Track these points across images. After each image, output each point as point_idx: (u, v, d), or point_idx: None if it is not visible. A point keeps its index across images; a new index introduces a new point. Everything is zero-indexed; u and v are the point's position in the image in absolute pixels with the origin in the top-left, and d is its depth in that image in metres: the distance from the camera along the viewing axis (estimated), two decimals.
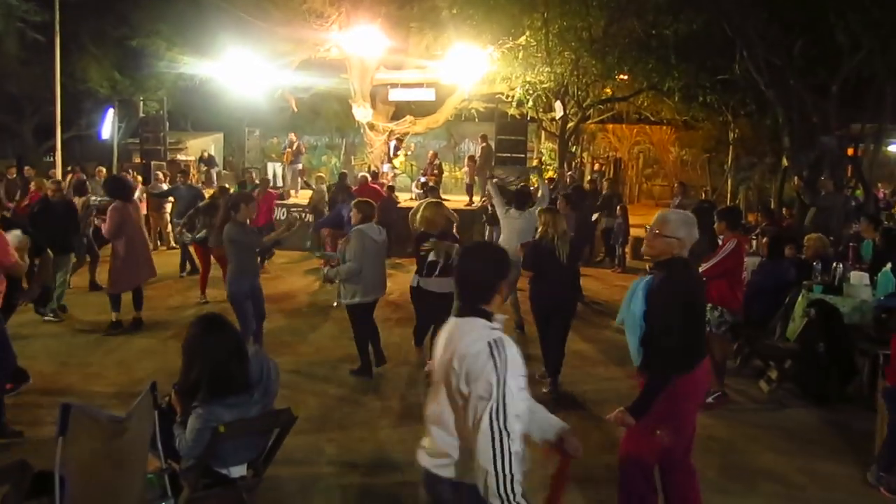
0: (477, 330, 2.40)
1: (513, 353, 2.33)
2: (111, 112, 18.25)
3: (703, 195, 17.83)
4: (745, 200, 19.16)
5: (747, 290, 7.06)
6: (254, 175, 15.45)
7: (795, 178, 13.27)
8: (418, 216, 6.74)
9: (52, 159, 18.04)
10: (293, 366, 6.87)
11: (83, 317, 8.61)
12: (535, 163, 19.36)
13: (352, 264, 6.53)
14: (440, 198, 12.28)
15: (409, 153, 18.82)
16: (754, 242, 10.68)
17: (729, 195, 19.65)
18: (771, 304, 7.27)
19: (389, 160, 18.20)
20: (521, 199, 8.95)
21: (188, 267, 11.29)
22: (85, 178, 12.98)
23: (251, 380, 3.58)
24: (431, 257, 6.46)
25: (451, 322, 2.53)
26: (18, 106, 23.16)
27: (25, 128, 24.25)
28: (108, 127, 18.26)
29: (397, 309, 9.35)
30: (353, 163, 22.05)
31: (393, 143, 18.36)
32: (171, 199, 13.15)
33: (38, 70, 18.54)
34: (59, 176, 15.02)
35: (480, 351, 2.30)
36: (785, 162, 13.87)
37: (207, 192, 11.90)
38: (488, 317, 2.45)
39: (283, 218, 14.18)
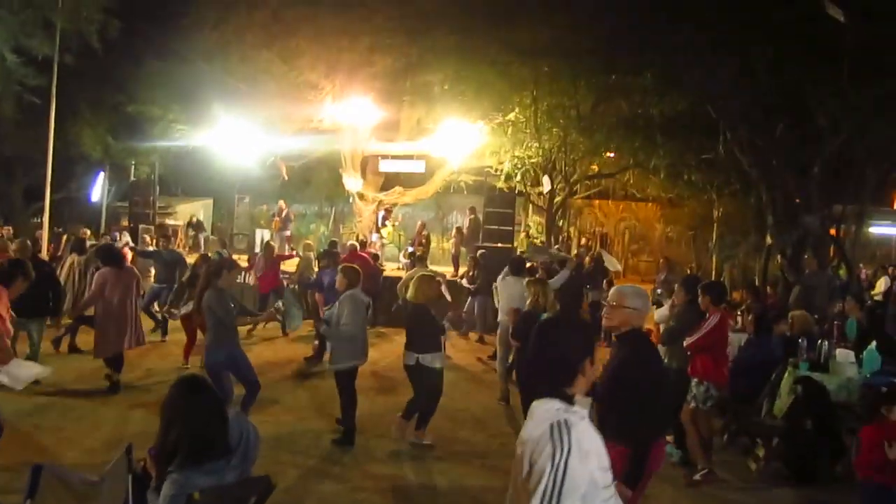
0: (546, 412, 2.17)
1: (584, 437, 2.10)
2: (102, 175, 18.39)
3: (689, 271, 17.96)
4: (729, 277, 19.28)
5: (734, 366, 7.05)
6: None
7: (779, 256, 13.43)
8: (415, 290, 6.73)
9: (39, 220, 18.00)
10: (274, 433, 6.71)
11: (58, 380, 8.43)
12: (522, 236, 19.53)
13: (350, 328, 6.52)
14: (427, 267, 12.31)
15: (397, 223, 18.92)
16: (739, 319, 10.71)
17: (714, 272, 19.79)
18: (757, 381, 7.24)
19: (377, 230, 18.30)
20: (516, 265, 9.14)
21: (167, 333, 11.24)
22: (85, 236, 12.96)
23: (230, 444, 3.49)
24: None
25: (532, 406, 2.28)
26: (10, 167, 23.27)
27: (15, 189, 24.28)
28: (98, 190, 18.37)
29: (381, 379, 9.23)
30: (341, 231, 22.15)
31: (381, 214, 18.50)
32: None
33: (32, 133, 18.67)
34: (45, 237, 14.97)
35: (542, 434, 2.08)
36: (769, 240, 14.05)
37: (192, 258, 11.85)
38: (569, 399, 2.21)
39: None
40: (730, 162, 14.64)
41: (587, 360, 2.28)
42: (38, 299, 8.10)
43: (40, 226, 16.79)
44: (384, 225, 18.44)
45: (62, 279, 9.92)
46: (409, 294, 6.85)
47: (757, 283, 15.07)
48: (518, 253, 14.45)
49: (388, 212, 18.73)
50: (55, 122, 15.21)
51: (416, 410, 6.70)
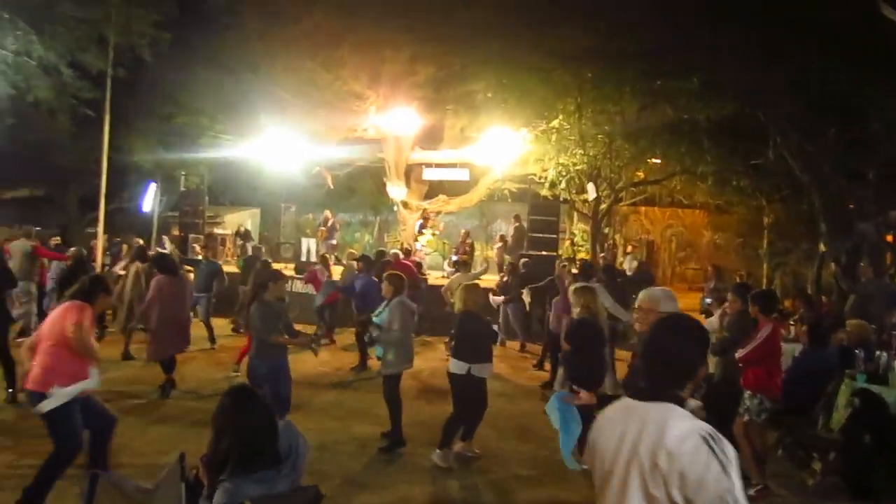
0: (681, 420, 2.06)
1: (726, 445, 2.03)
2: (153, 186, 18.80)
3: (738, 279, 17.61)
4: (780, 286, 18.84)
5: (788, 377, 6.88)
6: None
7: (833, 263, 13.07)
8: (461, 299, 6.68)
9: (94, 230, 18.48)
10: (319, 441, 6.75)
11: (112, 387, 8.62)
12: (566, 244, 19.39)
13: (399, 333, 6.66)
14: (468, 273, 12.35)
15: (437, 232, 18.90)
16: (792, 329, 10.44)
17: (764, 280, 19.37)
18: (813, 392, 7.05)
19: (416, 238, 18.34)
20: (586, 272, 9.31)
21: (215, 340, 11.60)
22: (143, 245, 13.36)
23: (280, 453, 3.51)
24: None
25: (631, 407, 2.20)
26: (65, 179, 23.97)
27: (70, 200, 25.01)
28: (150, 200, 18.79)
29: (426, 387, 9.24)
30: (386, 240, 22.27)
31: (419, 222, 18.55)
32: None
33: (85, 144, 19.21)
34: (100, 247, 15.41)
35: (697, 449, 1.98)
36: (822, 247, 13.69)
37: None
38: (681, 403, 2.14)
39: None
40: (780, 167, 14.32)
41: (703, 365, 2.23)
42: None
43: (95, 236, 17.27)
44: (422, 233, 18.50)
45: (128, 287, 10.23)
46: (456, 304, 6.81)
47: (810, 291, 14.70)
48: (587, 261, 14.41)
49: (426, 220, 18.77)
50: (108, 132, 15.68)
51: (470, 426, 6.65)
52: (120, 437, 6.72)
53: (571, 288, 7.38)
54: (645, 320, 3.96)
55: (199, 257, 14.29)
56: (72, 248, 11.78)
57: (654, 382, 2.19)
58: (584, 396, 5.45)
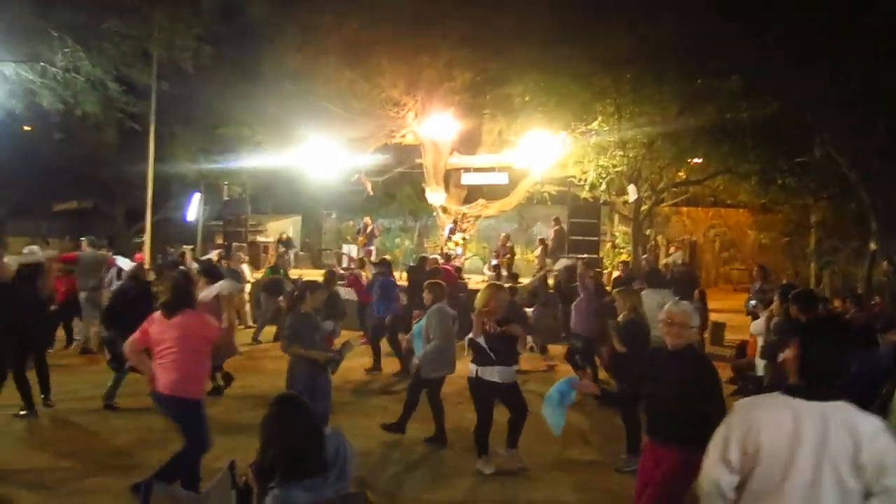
0: (863, 416, 2.33)
1: None
2: (197, 195, 19.18)
3: (785, 280, 17.26)
4: (829, 285, 18.40)
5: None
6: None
7: (885, 262, 12.73)
8: (483, 299, 6.44)
9: (140, 240, 18.93)
10: (366, 447, 6.78)
11: None
12: (608, 246, 19.22)
13: (438, 342, 6.75)
14: (517, 283, 12.26)
15: (467, 237, 18.85)
16: None
17: (812, 280, 18.94)
18: (866, 395, 6.84)
19: (445, 242, 18.35)
20: (654, 277, 9.31)
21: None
22: (184, 255, 13.67)
23: (327, 461, 3.55)
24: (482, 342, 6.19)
25: (797, 407, 2.40)
26: (112, 190, 24.60)
27: (118, 210, 25.66)
28: (194, 209, 19.16)
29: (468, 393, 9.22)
30: (425, 245, 22.34)
31: (449, 226, 18.59)
32: (249, 280, 13.62)
33: (131, 156, 19.71)
34: (148, 256, 15.75)
35: (889, 440, 2.25)
36: (873, 245, 13.34)
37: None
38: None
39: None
40: (826, 165, 14.01)
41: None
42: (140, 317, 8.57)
43: (141, 246, 17.68)
44: (451, 238, 18.50)
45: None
46: (477, 303, 6.45)
47: (860, 290, 14.33)
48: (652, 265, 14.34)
49: (456, 223, 18.79)
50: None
51: (512, 431, 6.51)
52: (172, 444, 6.87)
53: (615, 291, 7.33)
54: (679, 335, 4.06)
55: (246, 267, 14.52)
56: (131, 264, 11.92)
57: (820, 383, 2.40)
58: (588, 385, 5.48)
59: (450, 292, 8.61)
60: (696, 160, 17.15)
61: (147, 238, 16.39)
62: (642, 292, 8.37)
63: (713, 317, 13.29)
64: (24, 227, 26.94)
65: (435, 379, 6.98)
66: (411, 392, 7.30)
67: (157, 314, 5.40)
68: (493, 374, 6.29)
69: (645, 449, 4.37)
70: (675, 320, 4.10)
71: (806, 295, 6.62)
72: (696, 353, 4.21)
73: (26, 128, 20.72)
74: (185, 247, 16.47)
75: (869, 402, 6.84)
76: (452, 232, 18.45)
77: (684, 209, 25.04)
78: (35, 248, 10.79)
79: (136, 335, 5.35)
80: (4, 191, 25.01)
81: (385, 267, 11.49)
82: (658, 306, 8.18)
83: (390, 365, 10.84)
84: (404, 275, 14.58)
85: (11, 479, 5.86)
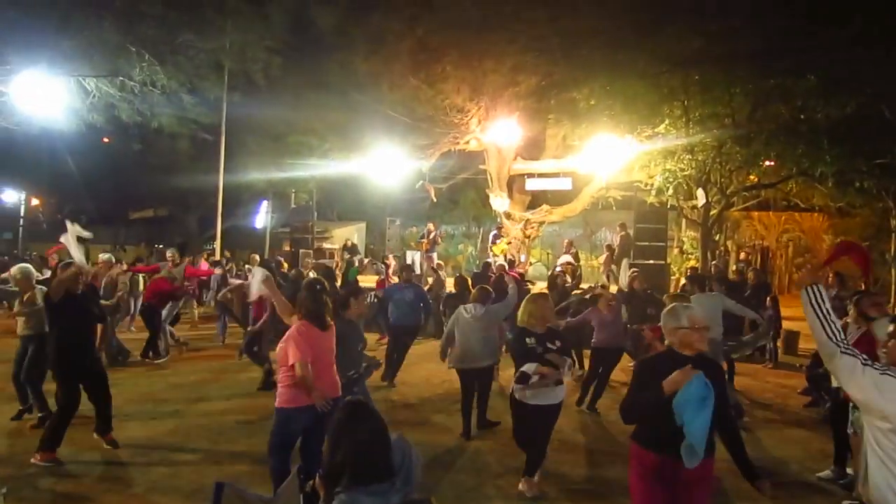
0: None
1: None
2: (266, 203, 19.64)
3: (863, 287, 16.56)
4: None
5: None
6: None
7: None
8: (524, 311, 5.87)
9: (211, 247, 19.52)
10: (432, 454, 6.79)
11: (229, 400, 8.99)
12: (675, 252, 18.81)
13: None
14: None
15: (511, 241, 18.66)
16: None
17: (893, 286, 18.13)
18: None
19: (489, 247, 18.24)
20: (699, 281, 9.11)
21: None
22: (254, 262, 14.06)
23: (393, 467, 3.57)
24: (526, 368, 5.52)
25: None
26: (186, 198, 25.46)
27: (191, 218, 26.55)
28: (263, 217, 19.63)
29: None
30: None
31: (493, 232, 18.50)
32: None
33: (203, 166, 20.36)
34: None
35: None
36: None
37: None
38: None
39: None
40: None
41: None
42: None
43: (213, 252, 18.21)
44: (496, 243, 18.39)
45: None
46: (520, 317, 5.89)
47: None
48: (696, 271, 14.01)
49: (500, 228, 18.71)
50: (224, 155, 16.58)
51: (529, 459, 5.94)
52: (240, 444, 7.05)
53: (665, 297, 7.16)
54: (702, 340, 3.90)
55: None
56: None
57: None
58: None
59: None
60: (768, 163, 16.62)
61: (217, 244, 16.87)
62: (692, 297, 8.15)
63: (787, 325, 12.85)
64: (104, 235, 28.13)
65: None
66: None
67: (304, 325, 5.21)
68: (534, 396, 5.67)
69: (656, 464, 3.78)
70: (699, 324, 3.85)
71: (867, 296, 6.27)
72: (708, 357, 3.92)
73: (105, 140, 21.60)
74: (254, 255, 16.85)
75: None
76: (497, 237, 18.41)
77: (755, 214, 24.33)
78: (108, 255, 11.17)
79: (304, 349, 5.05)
80: (85, 200, 26.19)
81: (408, 272, 11.22)
82: (713, 309, 7.97)
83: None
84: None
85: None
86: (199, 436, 7.30)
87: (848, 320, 6.43)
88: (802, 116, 14.80)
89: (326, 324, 5.31)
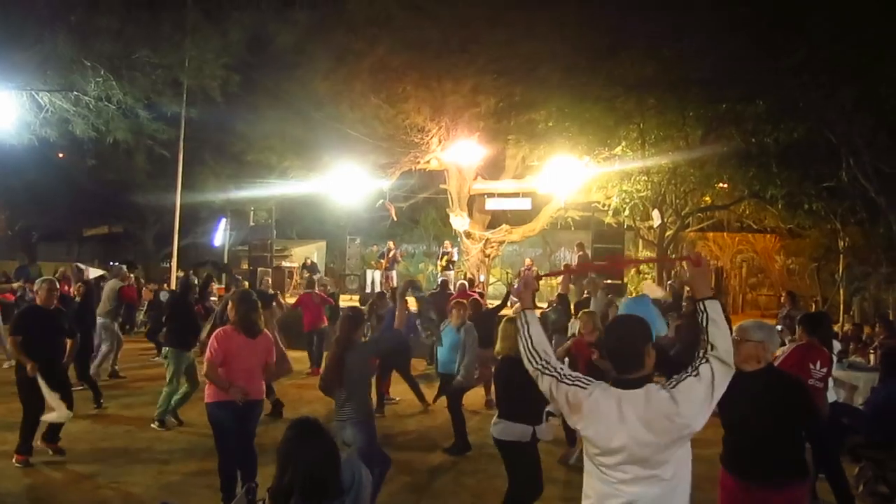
0: None
1: None
2: (224, 221, 19.42)
3: (814, 306, 16.99)
4: (859, 312, 18.06)
5: (867, 409, 6.58)
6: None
7: None
8: (503, 339, 5.38)
9: (168, 265, 19.21)
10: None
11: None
12: (632, 272, 19.07)
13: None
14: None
15: (454, 260, 18.77)
16: (872, 357, 10.00)
17: (842, 306, 18.64)
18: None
19: (442, 269, 18.30)
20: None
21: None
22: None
23: (342, 486, 3.55)
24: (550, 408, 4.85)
25: None
26: (142, 215, 25.05)
27: (147, 235, 26.10)
28: (221, 235, 19.40)
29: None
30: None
31: (443, 251, 18.78)
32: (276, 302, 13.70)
33: (161, 182, 20.07)
34: (173, 280, 15.94)
35: None
36: None
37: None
38: None
39: None
40: (854, 189, 13.82)
41: None
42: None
43: (169, 269, 17.93)
44: (441, 261, 18.59)
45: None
46: (498, 346, 5.48)
47: (891, 316, 14.07)
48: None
49: (446, 248, 18.94)
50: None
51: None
52: (196, 465, 6.91)
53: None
54: (737, 352, 3.79)
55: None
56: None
57: None
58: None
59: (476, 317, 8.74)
60: (721, 185, 17.04)
61: (174, 262, 16.62)
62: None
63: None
64: (56, 251, 27.53)
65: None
66: (453, 409, 7.63)
67: (225, 330, 5.65)
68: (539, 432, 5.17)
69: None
70: (734, 336, 3.82)
71: (812, 316, 6.42)
72: (771, 374, 3.90)
73: (60, 155, 21.19)
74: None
75: None
76: (440, 257, 18.53)
77: (710, 234, 24.80)
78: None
79: None
80: (37, 216, 25.58)
81: (380, 300, 10.96)
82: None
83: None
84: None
85: None
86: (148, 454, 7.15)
87: (798, 338, 6.59)
88: (753, 140, 15.23)
89: (255, 332, 5.57)
